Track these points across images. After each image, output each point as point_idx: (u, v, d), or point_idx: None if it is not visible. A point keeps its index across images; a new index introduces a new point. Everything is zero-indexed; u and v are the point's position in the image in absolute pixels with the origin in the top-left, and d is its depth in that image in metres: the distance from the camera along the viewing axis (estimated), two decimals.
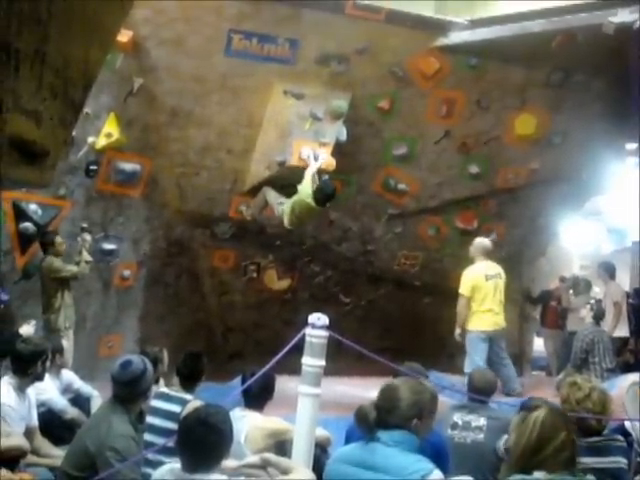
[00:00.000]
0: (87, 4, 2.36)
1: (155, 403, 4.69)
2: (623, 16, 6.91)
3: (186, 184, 8.58)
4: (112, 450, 3.69)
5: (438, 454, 3.67)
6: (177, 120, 8.01)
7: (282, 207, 7.93)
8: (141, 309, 8.92)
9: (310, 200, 7.58)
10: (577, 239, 17.22)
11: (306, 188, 7.61)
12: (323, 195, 7.62)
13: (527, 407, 2.80)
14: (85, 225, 7.71)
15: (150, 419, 4.54)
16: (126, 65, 7.41)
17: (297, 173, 8.00)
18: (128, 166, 7.99)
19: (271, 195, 8.22)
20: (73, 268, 7.34)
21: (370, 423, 2.91)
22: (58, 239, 7.31)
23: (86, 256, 7.43)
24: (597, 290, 12.27)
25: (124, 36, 7.03)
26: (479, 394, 4.86)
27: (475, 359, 7.55)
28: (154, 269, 8.95)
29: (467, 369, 7.46)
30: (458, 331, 7.82)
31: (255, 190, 8.49)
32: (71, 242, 7.49)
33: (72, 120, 2.54)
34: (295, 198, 7.73)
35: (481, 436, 4.60)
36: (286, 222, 7.92)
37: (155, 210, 8.63)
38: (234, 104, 7.96)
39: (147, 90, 7.71)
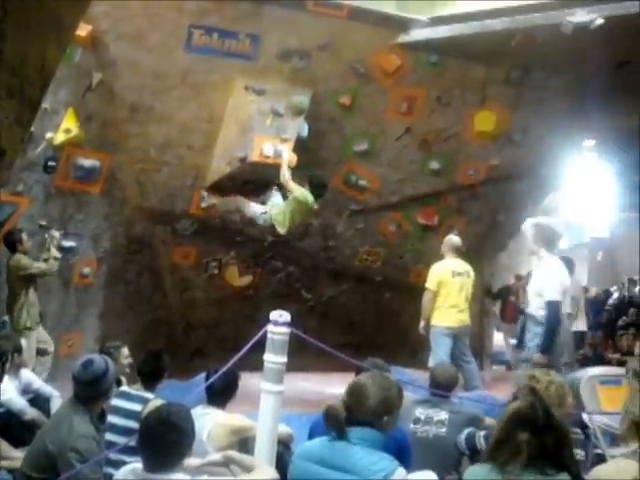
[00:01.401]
0: (44, 2, 2.33)
1: (116, 402, 4.66)
2: (581, 16, 7.04)
3: (146, 180, 8.51)
4: (73, 451, 3.66)
5: (401, 449, 3.71)
6: (137, 116, 7.94)
7: (266, 216, 7.98)
8: (101, 307, 8.83)
9: (309, 199, 7.65)
10: None
11: (298, 190, 7.65)
12: (320, 186, 7.80)
13: (513, 396, 2.75)
14: (43, 222, 7.62)
15: (111, 418, 4.52)
16: (85, 60, 7.31)
17: (258, 169, 8.00)
18: (87, 162, 7.89)
19: (251, 209, 8.22)
20: (41, 265, 7.27)
21: (342, 423, 2.91)
22: (24, 236, 7.24)
23: (54, 253, 7.39)
24: None
25: (83, 30, 6.92)
26: (441, 389, 4.92)
27: (439, 354, 7.62)
28: (114, 266, 8.86)
29: (431, 364, 7.54)
30: (422, 324, 7.90)
31: (217, 186, 8.46)
32: (29, 239, 7.40)
33: (29, 119, 2.51)
34: (291, 205, 7.76)
35: (443, 430, 4.66)
36: (282, 229, 7.93)
37: (115, 207, 8.54)
38: (195, 100, 7.91)
39: (106, 85, 7.62)
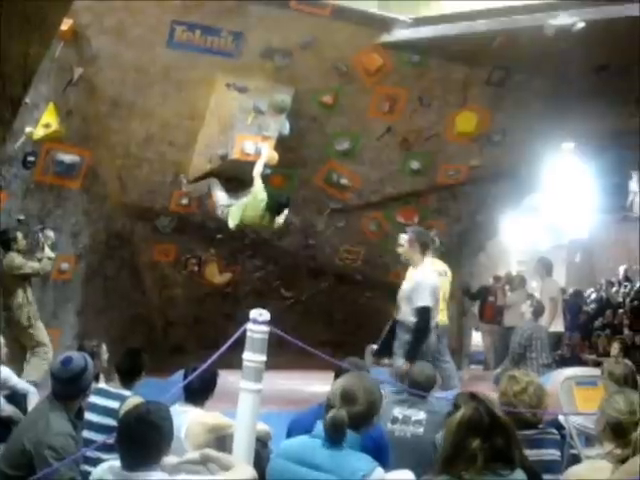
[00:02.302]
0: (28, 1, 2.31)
1: (93, 399, 4.63)
2: (563, 19, 7.11)
3: (127, 176, 8.47)
4: (50, 448, 3.63)
5: (379, 448, 3.72)
6: (118, 111, 7.90)
7: (228, 209, 7.92)
8: (80, 303, 8.78)
9: (260, 196, 7.59)
10: (515, 235, 17.57)
11: (258, 186, 7.65)
12: (276, 203, 7.68)
13: (453, 404, 2.73)
14: (22, 217, 7.57)
15: (88, 416, 4.49)
16: (66, 54, 7.26)
17: (239, 167, 7.99)
18: (67, 157, 7.84)
19: (218, 194, 8.20)
20: (35, 265, 7.26)
21: (345, 432, 2.91)
22: (19, 235, 7.22)
23: (48, 252, 7.39)
24: (533, 285, 12.56)
25: (64, 24, 6.84)
26: (419, 388, 4.93)
27: None
28: (93, 263, 8.81)
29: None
30: None
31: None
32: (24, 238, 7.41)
33: (10, 117, 2.49)
34: (248, 200, 7.72)
35: (421, 430, 4.68)
36: (231, 224, 7.88)
37: (95, 202, 8.50)
38: (177, 96, 7.88)
39: (87, 80, 7.58)
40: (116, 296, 9.20)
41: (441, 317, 7.88)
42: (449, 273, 7.99)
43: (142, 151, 8.27)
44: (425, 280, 6.32)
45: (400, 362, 6.20)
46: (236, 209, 7.83)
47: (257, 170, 7.72)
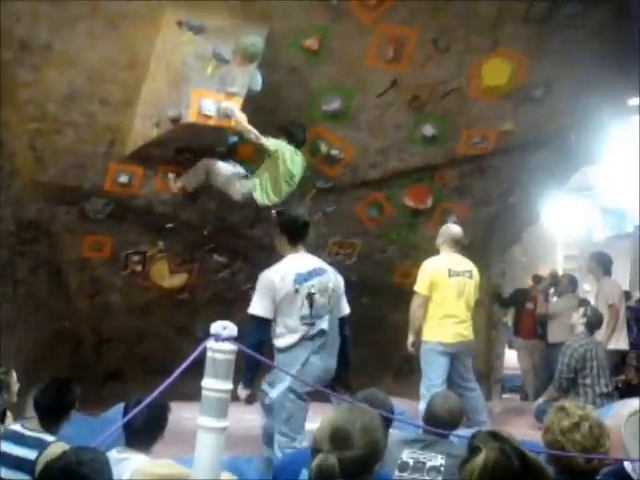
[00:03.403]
0: None
1: (3, 447, 4.61)
2: None
3: (44, 146, 8.43)
4: None
5: None
6: (29, 57, 7.83)
7: (246, 182, 8.44)
8: None
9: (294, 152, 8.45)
10: (562, 223, 17.64)
11: (274, 143, 8.32)
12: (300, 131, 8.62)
13: (470, 447, 2.73)
14: None
15: None
16: None
17: (196, 133, 7.97)
18: None
19: (222, 170, 8.53)
20: None
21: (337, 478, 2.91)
22: None
23: None
24: (587, 289, 12.63)
25: None
26: (438, 426, 4.93)
27: (432, 378, 7.68)
28: None
29: (423, 391, 7.60)
30: (411, 339, 7.96)
31: (141, 155, 8.43)
32: None
33: None
34: (268, 166, 8.39)
35: (439, 479, 4.69)
36: (268, 199, 8.54)
37: (0, 181, 8.46)
38: (109, 37, 7.83)
39: None
40: (30, 305, 9.17)
41: (462, 331, 7.94)
42: (475, 273, 8.02)
43: (64, 112, 8.23)
44: (260, 278, 6.17)
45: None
46: (268, 181, 8.43)
47: (252, 132, 8.11)
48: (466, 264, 8.03)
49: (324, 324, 6.09)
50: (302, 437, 5.90)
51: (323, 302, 6.11)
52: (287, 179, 8.51)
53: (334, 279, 6.32)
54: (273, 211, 7.12)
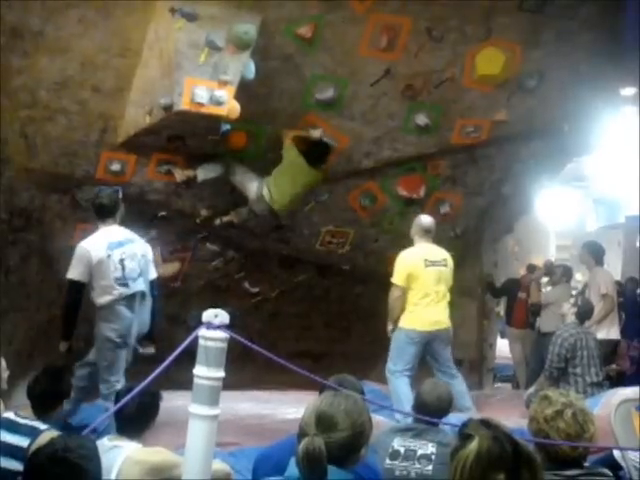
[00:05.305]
0: None
1: None
2: None
3: (35, 133, 8.42)
4: None
5: None
6: (21, 44, 7.82)
7: (262, 188, 8.74)
8: None
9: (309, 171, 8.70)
10: (555, 213, 17.65)
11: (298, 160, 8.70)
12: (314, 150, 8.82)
13: (461, 435, 2.74)
14: None
15: None
16: None
17: (190, 121, 7.95)
18: None
19: (241, 169, 8.97)
20: None
21: (325, 464, 2.91)
22: None
23: None
24: (579, 278, 12.66)
25: None
26: (428, 413, 4.95)
27: (397, 363, 8.00)
28: None
29: (388, 375, 8.01)
30: (390, 327, 8.17)
31: (133, 144, 8.43)
32: None
33: None
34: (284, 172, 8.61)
35: (429, 468, 4.71)
36: (272, 203, 8.77)
37: None
38: (102, 24, 7.82)
39: None
40: (22, 294, 9.16)
41: (440, 318, 8.03)
42: (450, 261, 8.26)
43: (56, 99, 8.21)
44: (76, 248, 7.36)
45: None
46: (274, 187, 8.71)
47: None
48: (441, 253, 8.23)
49: (140, 286, 7.39)
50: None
51: (133, 266, 7.33)
52: (292, 195, 8.82)
53: (142, 247, 7.60)
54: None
